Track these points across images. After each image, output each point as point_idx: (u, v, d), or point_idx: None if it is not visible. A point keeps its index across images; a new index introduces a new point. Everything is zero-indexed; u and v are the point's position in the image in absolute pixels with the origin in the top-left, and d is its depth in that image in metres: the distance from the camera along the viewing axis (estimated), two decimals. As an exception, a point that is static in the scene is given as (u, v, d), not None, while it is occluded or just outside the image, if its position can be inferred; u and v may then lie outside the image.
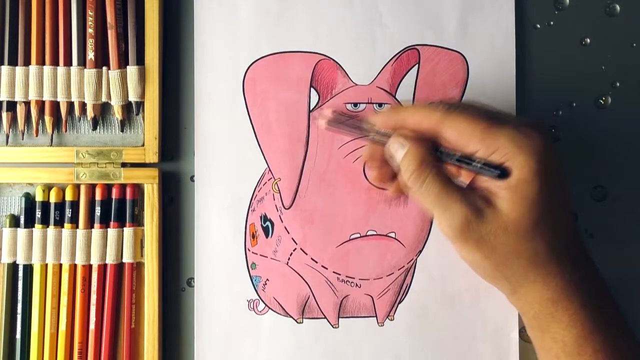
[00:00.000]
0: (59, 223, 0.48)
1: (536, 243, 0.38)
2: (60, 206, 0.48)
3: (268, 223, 0.49)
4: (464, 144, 0.39)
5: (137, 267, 0.48)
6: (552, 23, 0.51)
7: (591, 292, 0.39)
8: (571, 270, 0.39)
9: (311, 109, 0.49)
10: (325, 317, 0.49)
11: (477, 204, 0.38)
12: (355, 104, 0.49)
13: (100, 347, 0.47)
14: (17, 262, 0.47)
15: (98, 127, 0.48)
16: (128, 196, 0.48)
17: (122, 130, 0.48)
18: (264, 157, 0.49)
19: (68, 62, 0.47)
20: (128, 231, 0.48)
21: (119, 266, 0.48)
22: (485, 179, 0.39)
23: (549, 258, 0.38)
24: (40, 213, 0.47)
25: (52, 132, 0.48)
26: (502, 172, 0.38)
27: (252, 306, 0.48)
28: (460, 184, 0.40)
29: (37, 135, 0.48)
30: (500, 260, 0.39)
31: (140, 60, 0.47)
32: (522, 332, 0.49)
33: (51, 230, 0.47)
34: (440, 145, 0.40)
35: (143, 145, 0.48)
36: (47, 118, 0.48)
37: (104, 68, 0.47)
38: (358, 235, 0.49)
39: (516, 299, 0.41)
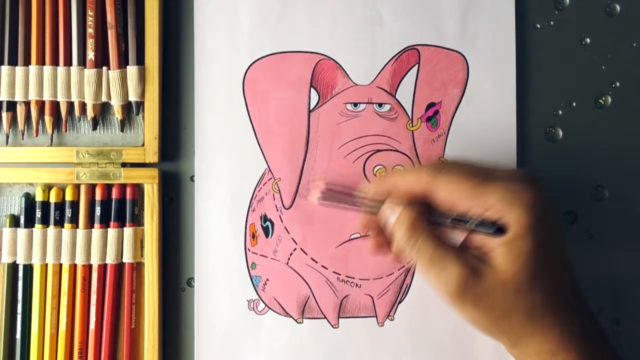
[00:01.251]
0: (59, 223, 0.48)
1: (533, 297, 0.38)
2: (60, 206, 0.48)
3: (268, 223, 0.49)
4: (456, 204, 0.39)
5: (137, 267, 0.48)
6: (552, 23, 0.51)
7: (589, 341, 0.39)
8: (569, 321, 0.39)
9: (311, 108, 0.49)
10: (325, 317, 0.49)
11: (472, 263, 0.38)
12: (355, 104, 0.49)
13: (100, 347, 0.47)
14: (17, 262, 0.47)
15: (98, 127, 0.48)
16: (128, 196, 0.48)
17: (122, 130, 0.48)
18: (264, 157, 0.49)
19: (68, 62, 0.47)
20: (128, 231, 0.48)
21: (119, 266, 0.48)
22: (479, 238, 0.39)
23: (546, 311, 0.38)
24: (40, 213, 0.47)
25: (52, 132, 0.48)
26: (499, 229, 0.38)
27: (252, 306, 0.48)
28: (454, 244, 0.40)
29: (37, 135, 0.48)
30: (499, 316, 0.38)
31: (140, 60, 0.47)
32: (522, 332, 0.49)
33: (51, 230, 0.47)
34: (432, 208, 0.40)
35: (143, 145, 0.48)
36: (47, 118, 0.48)
37: (104, 68, 0.47)
38: (358, 235, 0.49)
39: (515, 351, 0.41)
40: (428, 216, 0.40)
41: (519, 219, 0.37)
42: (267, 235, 0.49)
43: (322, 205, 0.42)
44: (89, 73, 0.47)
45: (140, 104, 0.48)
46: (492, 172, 0.39)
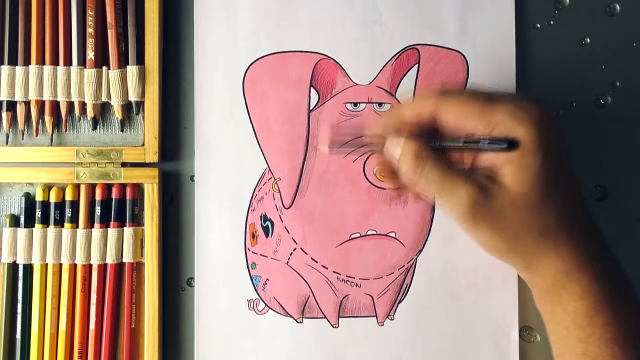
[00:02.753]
0: (59, 223, 0.48)
1: (545, 214, 0.38)
2: (60, 206, 0.48)
3: (268, 223, 0.49)
4: (463, 124, 0.39)
5: (137, 267, 0.48)
6: (552, 23, 0.51)
7: (603, 264, 0.39)
8: (583, 240, 0.39)
9: (311, 108, 0.49)
10: (325, 317, 0.49)
11: (481, 183, 0.38)
12: (355, 104, 0.49)
13: (100, 347, 0.47)
14: (17, 262, 0.47)
15: (98, 127, 0.48)
16: (128, 196, 0.48)
17: (122, 130, 0.48)
18: (264, 157, 0.49)
19: (68, 62, 0.47)
20: (128, 231, 0.48)
21: (119, 266, 0.48)
22: (487, 158, 0.39)
23: (559, 228, 0.38)
24: (40, 213, 0.47)
25: (52, 131, 0.48)
26: (511, 144, 0.37)
27: (252, 306, 0.48)
28: (462, 167, 0.40)
29: (37, 135, 0.48)
30: (512, 236, 0.38)
31: (140, 60, 0.47)
32: (522, 331, 0.49)
33: (51, 230, 0.47)
34: (440, 132, 0.40)
35: (143, 145, 0.48)
36: (47, 118, 0.48)
37: (104, 68, 0.47)
38: (358, 235, 0.49)
39: (529, 273, 0.41)
40: (436, 142, 0.40)
41: (528, 134, 0.37)
42: (267, 235, 0.49)
43: (333, 153, 0.42)
44: (89, 73, 0.47)
45: (140, 104, 0.48)
46: (499, 94, 0.39)
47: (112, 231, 0.47)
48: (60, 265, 0.47)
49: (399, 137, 0.40)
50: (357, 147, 0.43)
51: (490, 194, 0.38)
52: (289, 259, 0.49)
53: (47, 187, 0.48)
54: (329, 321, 0.49)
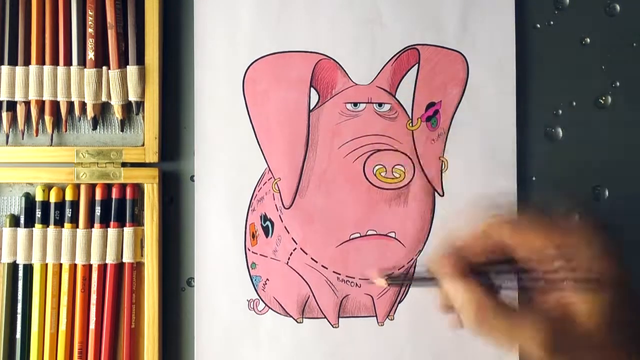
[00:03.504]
0: (59, 223, 0.48)
1: (614, 335, 0.35)
2: (60, 206, 0.48)
3: (268, 223, 0.49)
4: (538, 257, 0.36)
5: (137, 267, 0.48)
6: (552, 23, 0.51)
7: None
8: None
9: (311, 108, 0.49)
10: (325, 317, 0.49)
11: (555, 323, 0.35)
12: (355, 104, 0.49)
13: (100, 347, 0.47)
14: (17, 262, 0.47)
15: (98, 127, 0.48)
16: (128, 196, 0.48)
17: (122, 130, 0.48)
18: (264, 157, 0.49)
19: (68, 62, 0.47)
20: (128, 231, 0.48)
21: (119, 266, 0.48)
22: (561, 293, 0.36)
23: (623, 344, 0.36)
24: (40, 213, 0.47)
25: (52, 132, 0.48)
26: (591, 281, 0.35)
27: (252, 306, 0.48)
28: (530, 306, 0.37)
29: (37, 135, 0.48)
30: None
31: (140, 60, 0.47)
32: (522, 332, 0.49)
33: (51, 230, 0.47)
34: (512, 267, 0.37)
35: (143, 145, 0.48)
36: (47, 118, 0.48)
37: (104, 68, 0.47)
38: (358, 235, 0.49)
39: None
40: (507, 282, 0.37)
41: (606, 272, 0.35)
42: (267, 235, 0.49)
43: (390, 285, 0.43)
44: (89, 73, 0.47)
45: (140, 104, 0.48)
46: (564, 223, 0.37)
47: (112, 231, 0.47)
48: (60, 265, 0.47)
49: (456, 279, 0.36)
50: (417, 282, 0.40)
51: (564, 334, 0.35)
52: (289, 259, 0.49)
53: (47, 187, 0.48)
54: (329, 321, 0.49)
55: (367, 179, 0.49)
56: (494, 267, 0.37)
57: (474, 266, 0.37)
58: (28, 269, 0.47)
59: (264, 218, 0.49)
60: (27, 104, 0.48)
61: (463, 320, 0.37)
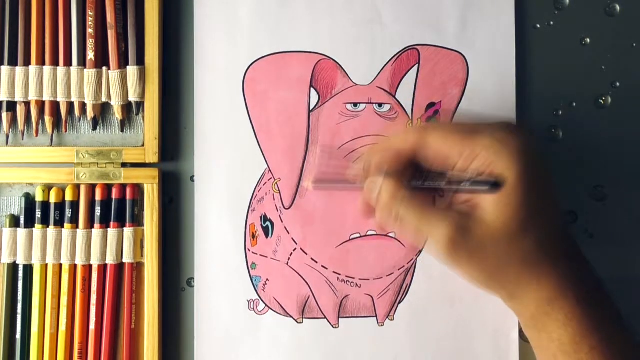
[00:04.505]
0: (59, 223, 0.48)
1: (525, 245, 0.38)
2: (60, 206, 0.48)
3: (268, 223, 0.49)
4: (444, 159, 0.39)
5: (137, 267, 0.48)
6: (552, 23, 0.51)
7: (586, 289, 0.39)
8: (564, 268, 0.39)
9: (311, 109, 0.49)
10: (325, 317, 0.49)
11: (459, 221, 0.38)
12: (355, 104, 0.49)
13: (100, 347, 0.47)
14: (17, 262, 0.47)
15: (98, 127, 0.48)
16: (128, 196, 0.48)
17: (122, 130, 0.48)
18: (264, 157, 0.49)
19: (68, 62, 0.47)
20: (128, 231, 0.48)
21: (119, 266, 0.48)
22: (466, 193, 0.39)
23: (540, 258, 0.38)
24: (40, 213, 0.47)
25: (52, 132, 0.48)
26: (493, 185, 0.37)
27: (252, 306, 0.48)
28: (439, 204, 0.40)
29: (37, 135, 0.48)
30: (493, 268, 0.39)
31: (140, 60, 0.47)
32: (522, 332, 0.49)
33: (51, 230, 0.47)
34: (424, 169, 0.40)
35: (143, 145, 0.48)
36: (47, 118, 0.48)
37: (104, 68, 0.47)
38: (358, 235, 0.49)
39: (513, 303, 0.41)
40: (418, 181, 0.40)
41: (508, 170, 0.37)
42: (267, 235, 0.49)
43: (317, 189, 0.42)
44: (89, 73, 0.47)
45: (140, 104, 0.48)
46: (479, 125, 0.39)
47: (112, 231, 0.48)
48: (60, 265, 0.47)
49: (378, 176, 0.40)
50: (341, 185, 0.43)
51: (468, 231, 0.38)
52: (289, 259, 0.49)
53: (47, 188, 0.48)
54: (329, 321, 0.49)
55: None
56: (407, 170, 0.40)
57: (389, 170, 0.40)
58: (28, 269, 0.47)
59: (264, 218, 0.49)
60: (27, 104, 0.48)
61: (379, 215, 0.40)
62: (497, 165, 0.37)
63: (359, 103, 0.49)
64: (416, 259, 0.49)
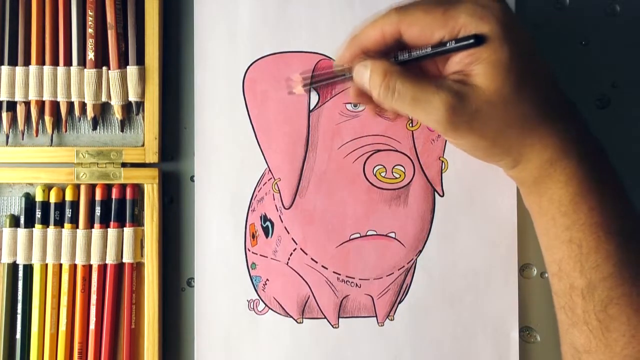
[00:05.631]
0: (59, 223, 0.48)
1: (522, 106, 0.38)
2: (60, 206, 0.48)
3: (268, 223, 0.49)
4: (428, 36, 0.39)
5: (137, 267, 0.48)
6: (552, 23, 0.51)
7: (586, 149, 0.40)
8: (564, 128, 0.39)
9: (311, 108, 0.49)
10: (325, 317, 0.49)
11: (454, 88, 0.38)
12: (355, 104, 0.49)
13: (100, 347, 0.47)
14: (17, 262, 0.47)
15: (98, 127, 0.48)
16: (128, 196, 0.48)
17: (122, 130, 0.48)
18: (264, 157, 0.49)
19: (68, 62, 0.47)
20: (128, 231, 0.48)
21: (119, 266, 0.48)
22: (456, 62, 0.39)
23: (539, 118, 0.39)
24: (40, 213, 0.47)
25: (52, 132, 0.48)
26: (477, 39, 0.38)
27: (252, 306, 0.48)
28: (433, 76, 0.41)
29: (37, 135, 0.48)
30: (494, 135, 0.39)
31: (140, 60, 0.47)
32: (522, 331, 0.49)
33: (51, 230, 0.47)
34: (408, 48, 0.40)
35: (143, 145, 0.48)
36: (47, 118, 0.48)
37: (104, 68, 0.47)
38: (358, 235, 0.49)
39: (517, 170, 0.41)
40: (404, 55, 0.40)
41: (492, 29, 0.37)
42: (267, 235, 0.49)
43: (307, 91, 0.44)
44: (89, 73, 0.47)
45: (140, 104, 0.48)
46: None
47: (112, 231, 0.48)
48: (60, 265, 0.48)
49: (365, 60, 0.40)
50: (329, 81, 0.43)
51: (465, 97, 0.38)
52: (289, 259, 0.49)
53: (47, 188, 0.48)
54: (329, 321, 0.49)
55: (367, 179, 0.49)
56: (391, 50, 0.40)
57: (372, 52, 0.41)
58: (28, 269, 0.47)
59: (264, 218, 0.49)
60: (27, 104, 0.48)
61: (375, 93, 0.40)
62: (482, 29, 0.38)
63: (359, 103, 0.49)
64: (416, 259, 0.49)
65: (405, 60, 0.40)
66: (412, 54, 0.40)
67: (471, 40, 0.38)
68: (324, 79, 0.44)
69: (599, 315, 0.39)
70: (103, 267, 0.48)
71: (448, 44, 0.38)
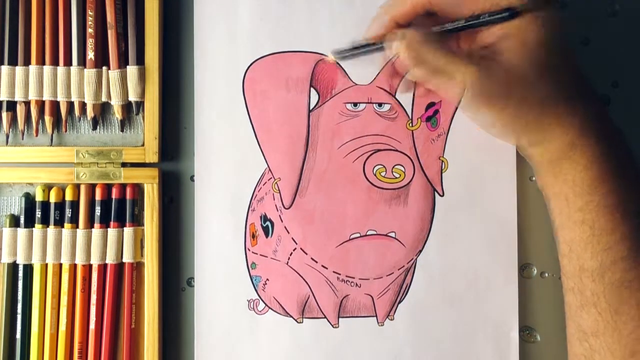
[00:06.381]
0: (59, 223, 0.48)
1: (547, 86, 0.39)
2: (60, 206, 0.48)
3: (268, 223, 0.49)
4: (459, 9, 0.40)
5: (137, 267, 0.48)
6: (552, 23, 0.51)
7: (605, 133, 0.40)
8: (584, 111, 0.40)
9: (311, 108, 0.49)
10: (325, 317, 0.49)
11: (481, 62, 0.39)
12: (355, 104, 0.49)
13: (100, 347, 0.47)
14: (17, 262, 0.47)
15: (98, 127, 0.48)
16: (128, 196, 0.48)
17: (122, 130, 0.48)
18: (264, 157, 0.49)
19: (68, 62, 0.47)
20: (128, 231, 0.48)
21: (119, 266, 0.48)
22: (485, 37, 0.39)
23: (560, 99, 0.39)
24: (40, 213, 0.47)
25: (52, 132, 0.48)
26: (512, 13, 0.38)
27: (252, 306, 0.48)
28: (461, 50, 0.41)
29: (37, 135, 0.48)
30: (514, 112, 0.39)
31: (140, 60, 0.47)
32: (522, 331, 0.49)
33: (51, 230, 0.47)
34: (440, 20, 0.41)
35: (143, 145, 0.48)
36: (47, 118, 0.48)
37: (104, 68, 0.47)
38: (358, 235, 0.49)
39: (534, 149, 0.41)
40: (438, 26, 0.40)
41: (524, 6, 0.38)
42: (267, 235, 0.49)
43: (340, 62, 0.46)
44: (89, 73, 0.47)
45: (140, 104, 0.48)
46: None
47: (112, 231, 0.48)
48: (60, 265, 0.47)
49: (396, 32, 0.41)
50: (362, 49, 0.44)
51: (490, 71, 0.38)
52: (289, 259, 0.49)
53: (47, 187, 0.48)
54: (329, 321, 0.49)
55: (367, 179, 0.49)
56: (424, 21, 0.41)
57: (403, 23, 0.42)
58: (28, 269, 0.47)
59: (264, 218, 0.49)
60: (27, 104, 0.48)
61: (407, 61, 0.40)
62: (514, 1, 0.38)
63: (359, 103, 0.49)
64: (416, 259, 0.49)
65: (438, 32, 0.41)
66: (446, 26, 0.40)
67: (506, 14, 0.38)
68: (357, 51, 0.44)
69: (609, 297, 0.38)
70: (103, 267, 0.48)
71: (481, 17, 0.39)
